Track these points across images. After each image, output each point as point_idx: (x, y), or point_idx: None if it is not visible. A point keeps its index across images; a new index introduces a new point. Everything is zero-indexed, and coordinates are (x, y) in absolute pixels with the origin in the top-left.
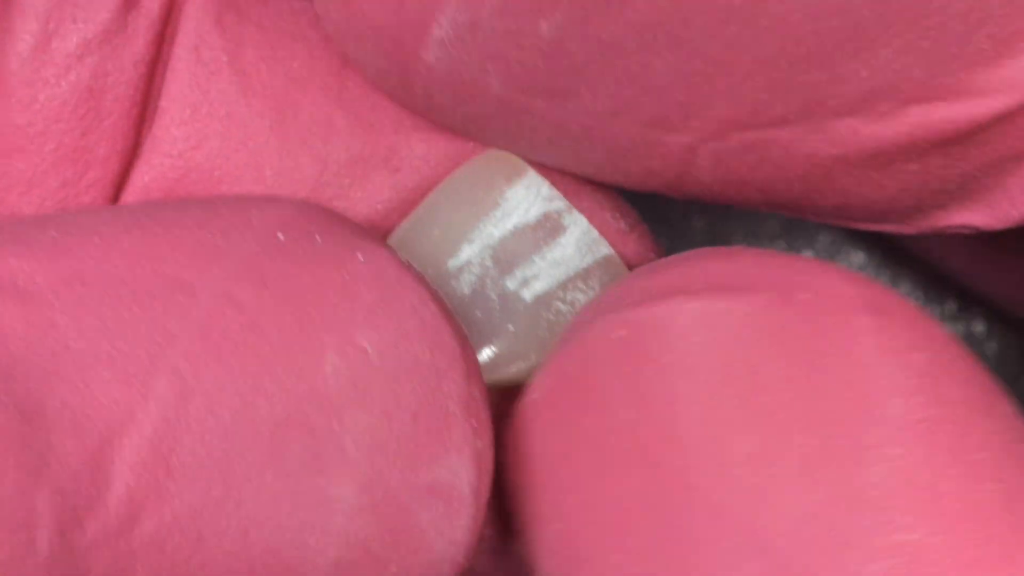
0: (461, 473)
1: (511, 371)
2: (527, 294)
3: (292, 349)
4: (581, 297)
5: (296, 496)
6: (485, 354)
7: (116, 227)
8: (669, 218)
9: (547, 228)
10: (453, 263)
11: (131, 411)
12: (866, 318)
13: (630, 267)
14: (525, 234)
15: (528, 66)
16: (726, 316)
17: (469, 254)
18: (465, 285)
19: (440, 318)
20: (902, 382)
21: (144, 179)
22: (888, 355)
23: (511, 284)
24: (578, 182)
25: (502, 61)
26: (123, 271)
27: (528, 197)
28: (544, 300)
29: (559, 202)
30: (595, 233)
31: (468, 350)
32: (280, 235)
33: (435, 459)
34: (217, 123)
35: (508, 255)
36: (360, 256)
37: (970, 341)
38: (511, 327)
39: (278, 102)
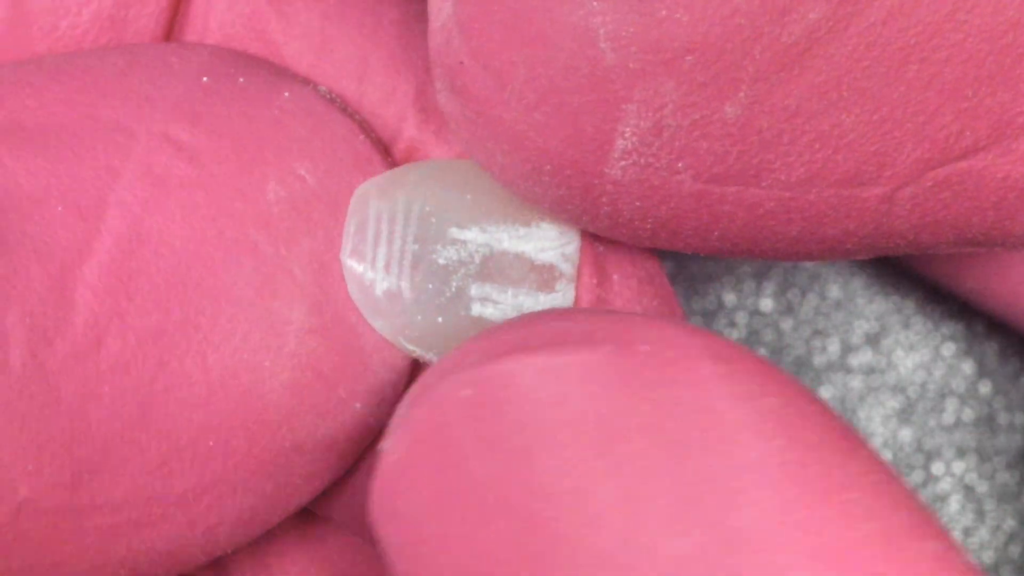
0: None
1: (408, 347)
2: (476, 309)
3: (234, 179)
4: None
5: (250, 320)
6: (407, 318)
7: (44, 77)
8: None
9: (542, 277)
10: (454, 231)
11: (87, 241)
12: (712, 365)
13: None
14: (523, 266)
15: (719, 153)
16: (568, 369)
17: (472, 238)
18: (443, 256)
19: (371, 148)
20: (759, 426)
21: None
22: (740, 400)
23: (475, 290)
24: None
25: (691, 155)
26: (60, 117)
27: (554, 241)
28: (482, 326)
29: (570, 267)
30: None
31: None
32: (204, 78)
33: None
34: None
35: (496, 269)
36: (286, 93)
37: (970, 341)
38: (440, 319)
39: (313, 38)
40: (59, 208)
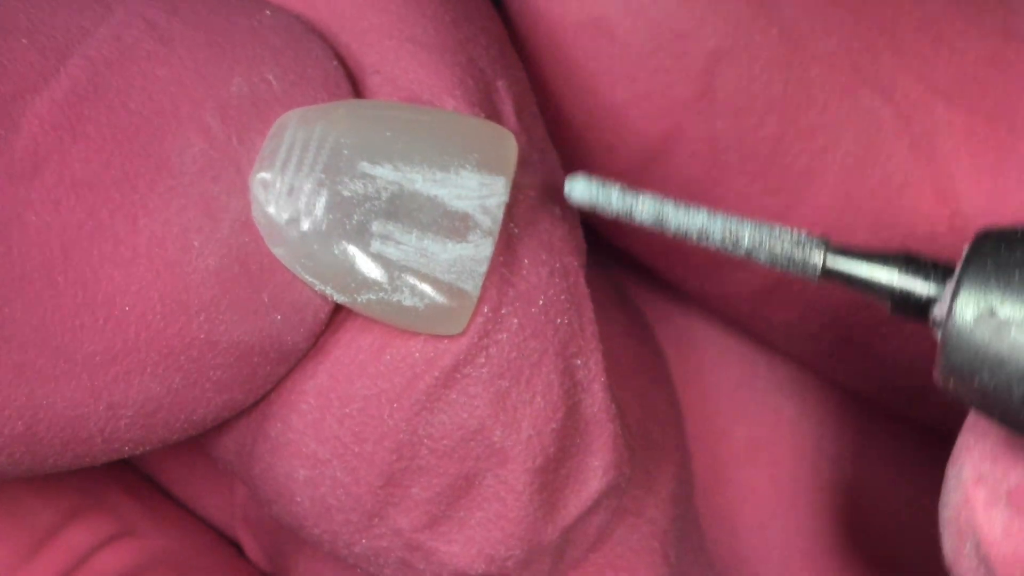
0: None
1: (305, 277)
2: (376, 246)
3: (200, 65)
4: (401, 299)
5: (188, 196)
6: (305, 247)
7: None
8: None
9: (454, 225)
10: (365, 166)
11: (45, 76)
12: None
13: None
14: (435, 210)
15: None
16: None
17: (383, 175)
18: (348, 189)
19: (341, 74)
20: None
21: None
22: None
23: (377, 227)
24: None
25: None
26: None
27: (474, 191)
28: (382, 265)
29: (489, 220)
30: (482, 269)
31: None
32: None
33: None
34: None
35: (404, 209)
36: (268, 12)
37: None
38: (337, 252)
39: None
40: (24, 41)
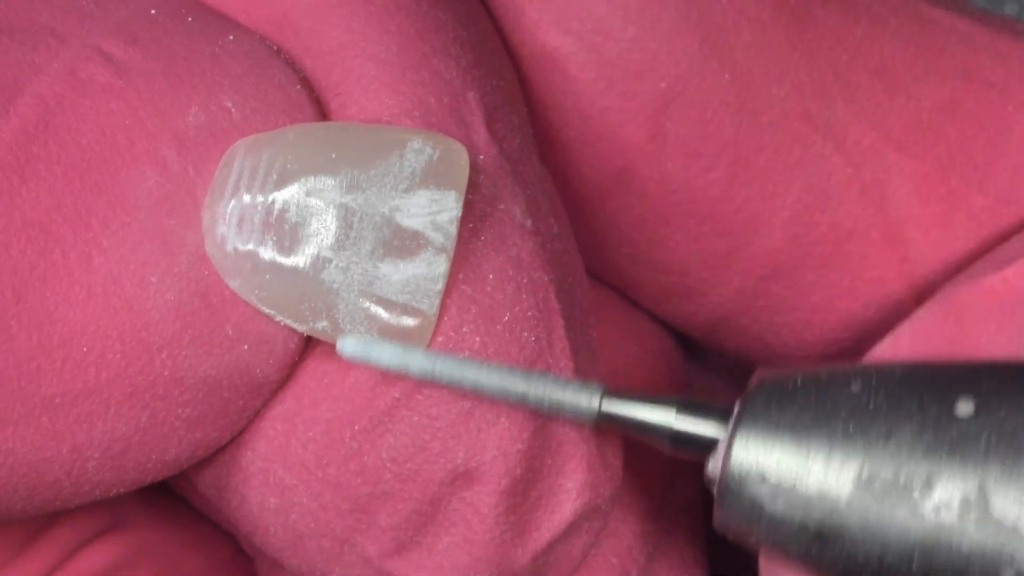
0: None
1: (262, 308)
2: (328, 272)
3: (156, 97)
4: (355, 325)
5: (143, 231)
6: (257, 278)
7: None
8: None
9: (405, 243)
10: (311, 191)
11: None
12: None
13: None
14: (386, 230)
15: None
16: None
17: (332, 198)
18: (296, 215)
19: (304, 97)
20: None
21: None
22: None
23: (327, 253)
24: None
25: None
26: None
27: (423, 207)
28: (335, 291)
29: (441, 237)
30: (438, 287)
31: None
32: (153, 11)
33: None
34: None
35: (355, 232)
36: (231, 37)
37: None
38: (288, 281)
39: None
40: None
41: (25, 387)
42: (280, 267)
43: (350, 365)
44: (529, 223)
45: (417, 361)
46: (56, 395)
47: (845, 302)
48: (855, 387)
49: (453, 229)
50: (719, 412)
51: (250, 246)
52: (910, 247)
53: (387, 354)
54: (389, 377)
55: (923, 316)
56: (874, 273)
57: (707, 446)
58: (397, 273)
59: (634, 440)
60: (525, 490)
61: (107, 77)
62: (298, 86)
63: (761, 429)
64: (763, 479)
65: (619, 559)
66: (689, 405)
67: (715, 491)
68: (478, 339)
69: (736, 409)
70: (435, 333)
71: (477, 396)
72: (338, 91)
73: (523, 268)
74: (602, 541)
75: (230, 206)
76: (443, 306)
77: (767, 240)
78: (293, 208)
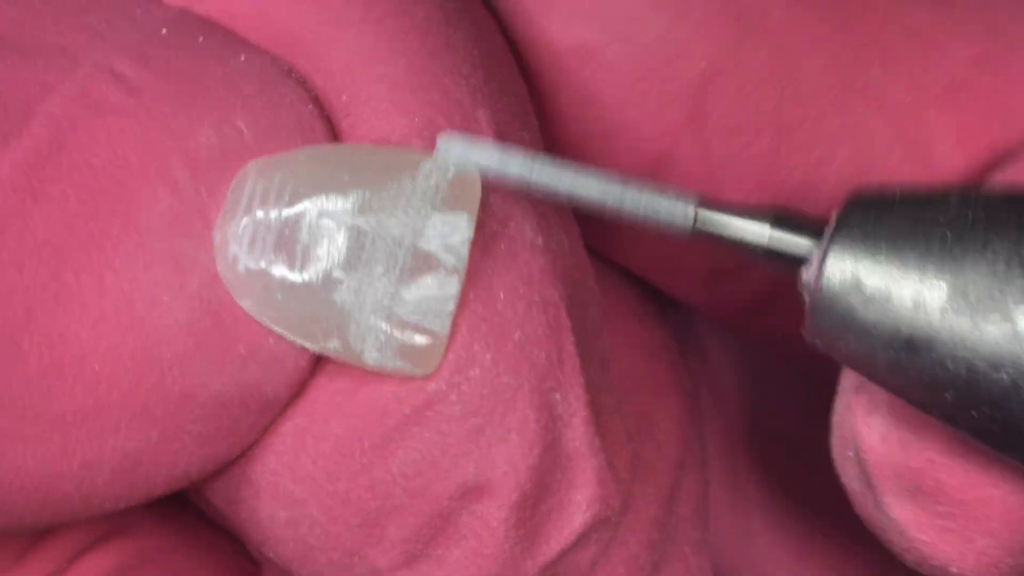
0: None
1: (274, 328)
2: (340, 293)
3: (169, 117)
4: (367, 345)
5: (155, 252)
6: (269, 298)
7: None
8: None
9: (418, 266)
10: (324, 213)
11: (5, 138)
12: None
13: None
14: (398, 252)
15: None
16: None
17: (344, 220)
18: (308, 236)
19: (316, 117)
20: None
21: None
22: None
23: (339, 273)
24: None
25: None
26: (6, 32)
27: (436, 228)
28: (347, 311)
29: (452, 258)
30: (449, 308)
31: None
32: (164, 30)
33: None
34: None
35: (367, 254)
36: (243, 57)
37: None
38: (301, 301)
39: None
40: None
41: (36, 405)
42: (292, 287)
43: (361, 382)
44: (540, 240)
45: (515, 166)
46: (67, 413)
47: None
48: (954, 201)
49: (465, 251)
50: (814, 225)
51: (262, 265)
52: None
53: (486, 156)
54: (399, 394)
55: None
56: None
57: (801, 259)
58: (409, 294)
59: (640, 448)
60: (535, 504)
61: (119, 97)
62: (310, 106)
63: (857, 238)
64: (857, 288)
65: (626, 568)
66: (784, 219)
67: (807, 300)
68: (489, 356)
69: (833, 219)
70: (446, 352)
71: (487, 412)
72: (348, 111)
73: (534, 286)
74: (609, 551)
75: (242, 226)
76: (455, 326)
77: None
78: (305, 229)
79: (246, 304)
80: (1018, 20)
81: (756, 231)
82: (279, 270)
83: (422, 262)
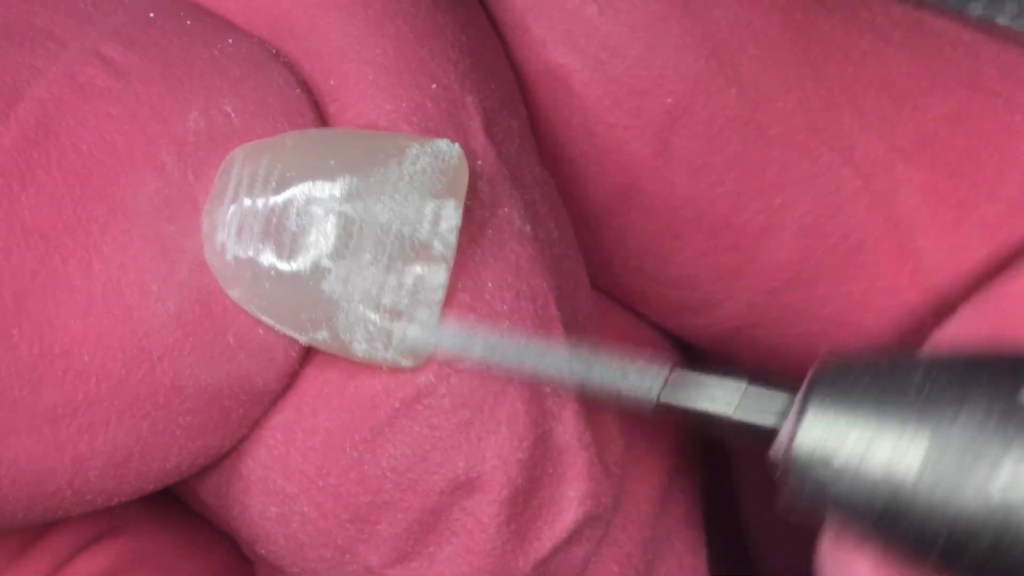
0: None
1: (262, 317)
2: (328, 282)
3: (156, 100)
4: (355, 335)
5: (143, 238)
6: (257, 287)
7: None
8: None
9: (405, 253)
10: (311, 198)
11: None
12: None
13: None
14: (385, 239)
15: None
16: None
17: (330, 206)
18: (296, 223)
19: (304, 101)
20: None
21: None
22: None
23: (327, 262)
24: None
25: None
26: None
27: (426, 217)
28: (335, 301)
29: (441, 244)
30: (438, 297)
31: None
32: (151, 14)
33: None
34: None
35: (355, 241)
36: (230, 40)
37: None
38: (288, 290)
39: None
40: None
41: (27, 397)
42: (280, 277)
43: (350, 375)
44: (528, 229)
45: (477, 348)
46: (58, 405)
47: (857, 313)
48: (920, 372)
49: (453, 238)
50: (781, 397)
51: (250, 253)
52: (922, 256)
53: (447, 339)
54: (389, 387)
55: (962, 317)
56: (886, 283)
57: (769, 435)
58: (397, 283)
59: (632, 447)
60: (526, 499)
61: (106, 81)
62: (298, 90)
63: (827, 410)
64: (827, 463)
65: (619, 566)
66: (751, 393)
67: (778, 476)
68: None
69: (800, 393)
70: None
71: (477, 405)
72: (336, 95)
73: (522, 275)
74: (602, 549)
75: (229, 213)
76: (442, 315)
77: (777, 253)
78: (293, 216)
79: (234, 293)
80: (1007, 73)
81: (723, 407)
82: (267, 258)
83: (409, 249)
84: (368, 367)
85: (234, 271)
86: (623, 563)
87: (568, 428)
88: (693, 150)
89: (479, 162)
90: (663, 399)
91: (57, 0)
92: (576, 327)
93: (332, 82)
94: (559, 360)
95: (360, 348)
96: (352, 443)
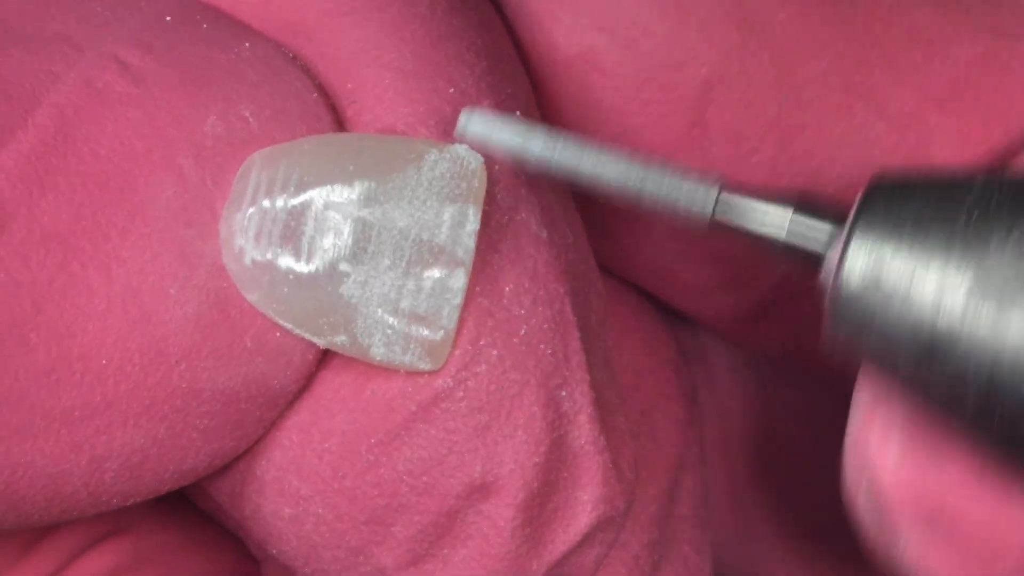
0: None
1: (280, 321)
2: (346, 286)
3: (174, 106)
4: (374, 339)
5: (162, 243)
6: (275, 291)
7: None
8: None
9: (424, 258)
10: (329, 204)
11: (12, 128)
12: None
13: None
14: (404, 244)
15: None
16: None
17: (348, 211)
18: (313, 228)
19: (321, 105)
20: None
21: None
22: None
23: (345, 266)
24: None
25: None
26: (11, 21)
27: (445, 222)
28: (353, 305)
29: (460, 250)
30: (457, 301)
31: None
32: (168, 18)
33: None
34: None
35: (373, 246)
36: (247, 44)
37: None
38: (306, 295)
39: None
40: None
41: (45, 400)
42: (298, 281)
43: (367, 377)
44: (545, 233)
45: (537, 144)
46: (75, 407)
47: None
48: (979, 183)
49: (471, 243)
50: (834, 216)
51: (268, 257)
52: None
53: (508, 135)
54: (406, 390)
55: None
56: None
57: (819, 257)
58: (415, 287)
59: (640, 449)
60: (541, 503)
61: (124, 86)
62: (315, 94)
63: (878, 230)
64: (877, 286)
65: (627, 569)
66: (805, 208)
67: (826, 300)
68: (495, 352)
69: (852, 211)
70: (453, 346)
71: (494, 409)
72: (353, 99)
73: (539, 280)
74: (611, 552)
75: (247, 218)
76: (461, 319)
77: None
78: (311, 222)
79: (252, 297)
80: (1019, 15)
81: (778, 216)
82: (285, 262)
83: (428, 254)
84: (385, 370)
85: (252, 275)
86: (631, 565)
87: (583, 432)
88: (729, 119)
89: (496, 167)
90: (717, 215)
91: (73, 5)
92: (589, 328)
93: (349, 86)
94: (617, 167)
95: (378, 352)
96: (368, 446)
